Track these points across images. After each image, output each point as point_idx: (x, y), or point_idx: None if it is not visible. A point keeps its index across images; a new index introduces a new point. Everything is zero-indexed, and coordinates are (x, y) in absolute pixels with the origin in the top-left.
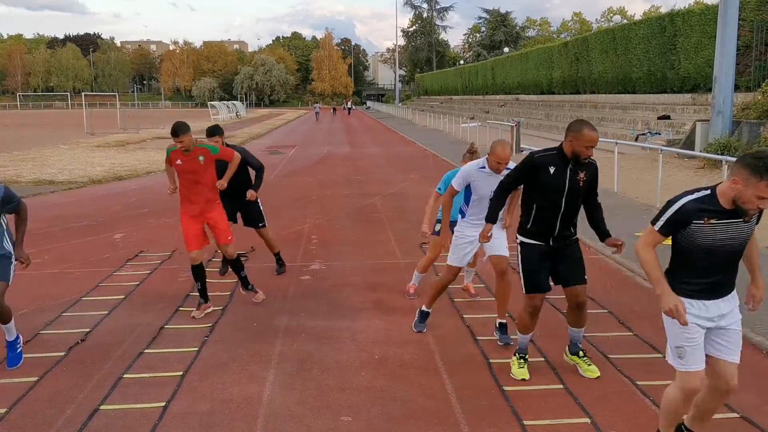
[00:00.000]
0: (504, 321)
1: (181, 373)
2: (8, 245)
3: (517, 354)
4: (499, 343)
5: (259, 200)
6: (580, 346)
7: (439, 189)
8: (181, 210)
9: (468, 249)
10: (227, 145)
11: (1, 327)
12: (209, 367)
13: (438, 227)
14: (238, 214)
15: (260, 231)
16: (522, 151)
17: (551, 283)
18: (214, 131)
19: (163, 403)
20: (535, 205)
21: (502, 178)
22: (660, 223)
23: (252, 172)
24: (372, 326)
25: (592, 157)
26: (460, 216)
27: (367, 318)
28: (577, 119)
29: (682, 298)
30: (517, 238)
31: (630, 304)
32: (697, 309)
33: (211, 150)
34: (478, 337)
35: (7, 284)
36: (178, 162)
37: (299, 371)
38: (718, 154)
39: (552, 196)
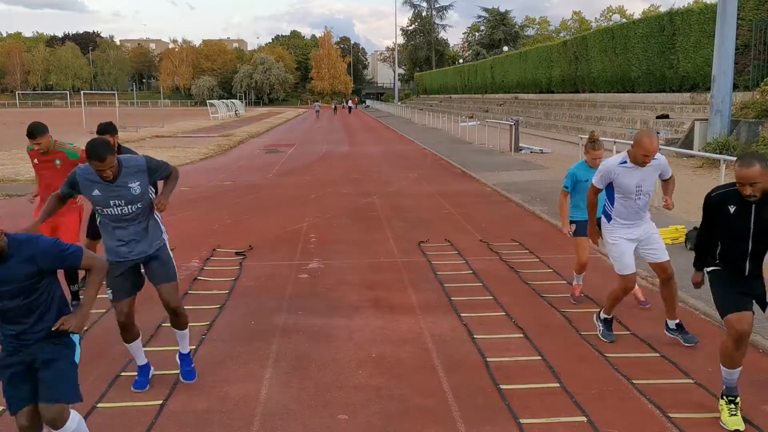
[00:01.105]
0: (679, 321)
1: (178, 371)
2: (164, 235)
3: (725, 397)
4: (685, 345)
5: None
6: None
7: (566, 187)
8: (36, 209)
9: (628, 250)
10: (121, 148)
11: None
12: (206, 365)
13: (573, 227)
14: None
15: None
16: (521, 149)
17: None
18: (106, 129)
19: (160, 401)
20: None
21: (647, 169)
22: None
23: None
24: (369, 325)
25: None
26: (604, 218)
27: (365, 317)
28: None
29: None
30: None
31: (628, 304)
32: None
33: (69, 154)
34: (475, 336)
35: (176, 283)
36: (35, 161)
37: (296, 369)
38: (716, 154)
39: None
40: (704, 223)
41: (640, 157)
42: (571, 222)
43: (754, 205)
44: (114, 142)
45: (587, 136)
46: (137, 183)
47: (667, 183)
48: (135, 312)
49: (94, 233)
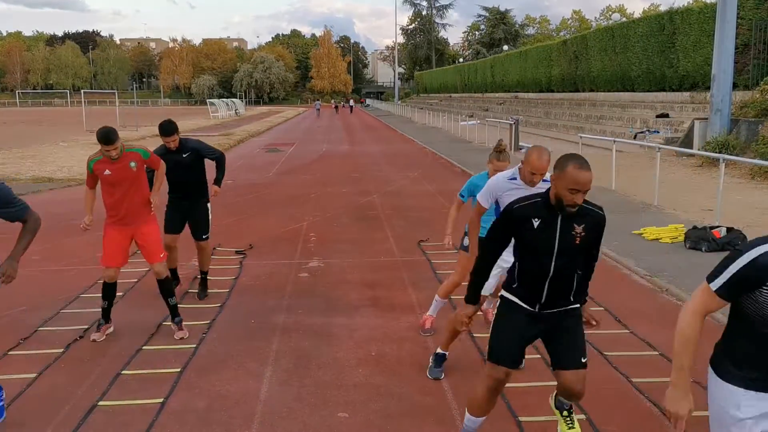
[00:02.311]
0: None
1: (178, 369)
2: None
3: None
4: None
5: (209, 206)
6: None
7: (462, 195)
8: (107, 221)
9: (495, 271)
10: (182, 140)
11: None
12: (207, 364)
13: (467, 241)
14: (187, 223)
15: (202, 243)
16: (521, 148)
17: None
18: (173, 129)
19: (161, 400)
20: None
21: (535, 191)
22: (720, 280)
23: (207, 170)
24: (369, 323)
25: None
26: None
27: (365, 315)
28: (564, 155)
29: (737, 388)
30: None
31: (626, 302)
32: (755, 403)
33: (143, 154)
34: (474, 335)
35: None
36: (107, 173)
37: (296, 368)
38: (716, 153)
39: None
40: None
41: (528, 176)
42: (467, 234)
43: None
44: (178, 138)
45: (495, 145)
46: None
47: None
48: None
49: (169, 227)
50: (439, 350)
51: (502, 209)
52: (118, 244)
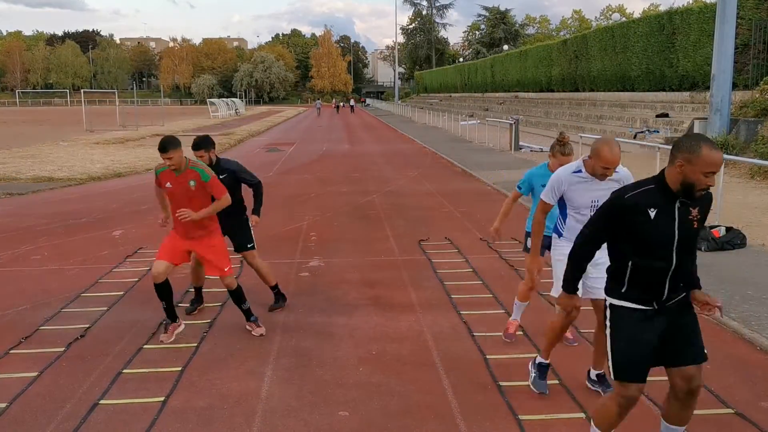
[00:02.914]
0: (603, 372)
1: (179, 368)
2: None
3: None
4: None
5: (248, 221)
6: None
7: (519, 188)
8: (173, 228)
9: None
10: (218, 160)
11: None
12: (208, 363)
13: (529, 242)
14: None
15: (246, 254)
16: (521, 148)
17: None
18: (201, 144)
19: (162, 398)
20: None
21: (607, 184)
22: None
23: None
24: (369, 322)
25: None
26: (555, 234)
27: (365, 314)
28: (687, 136)
29: None
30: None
31: None
32: None
33: (203, 176)
34: (474, 333)
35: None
36: (168, 185)
37: (297, 367)
38: None
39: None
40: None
41: (599, 170)
42: (529, 234)
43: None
44: (209, 156)
45: (557, 137)
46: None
47: None
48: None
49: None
50: (540, 359)
51: (604, 203)
52: (176, 245)
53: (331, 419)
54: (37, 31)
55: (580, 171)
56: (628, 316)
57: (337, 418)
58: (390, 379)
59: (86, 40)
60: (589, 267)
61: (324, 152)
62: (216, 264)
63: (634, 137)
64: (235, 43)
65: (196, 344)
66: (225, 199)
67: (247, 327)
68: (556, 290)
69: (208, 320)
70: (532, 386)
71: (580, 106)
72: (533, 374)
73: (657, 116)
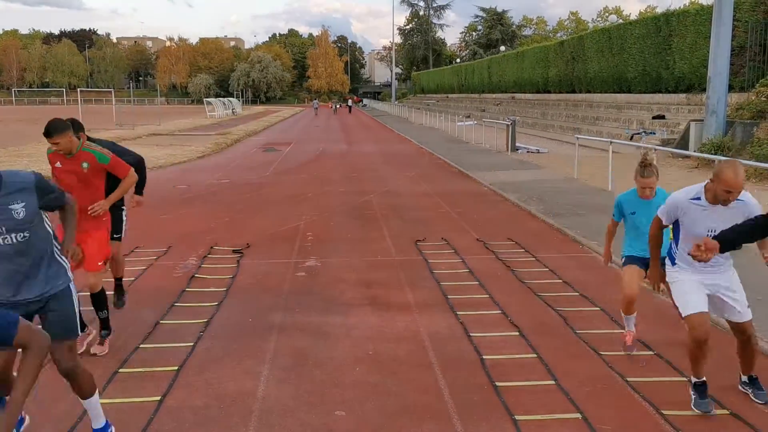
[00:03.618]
0: (753, 374)
1: (176, 367)
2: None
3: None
4: (756, 400)
5: (124, 210)
6: None
7: (614, 215)
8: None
9: (695, 288)
10: (89, 141)
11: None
12: (204, 362)
13: (624, 260)
14: None
15: (111, 244)
16: (517, 149)
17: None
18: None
19: (158, 398)
20: None
21: (727, 211)
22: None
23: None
24: (366, 322)
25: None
26: (668, 259)
27: (362, 314)
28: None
29: None
30: None
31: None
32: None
33: (99, 158)
34: (471, 334)
35: (75, 340)
36: (57, 165)
37: (294, 367)
38: (711, 154)
39: None
40: None
41: (721, 194)
42: (624, 257)
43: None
44: (72, 139)
45: (641, 159)
46: (22, 204)
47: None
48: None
49: None
50: (694, 379)
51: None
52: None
53: (327, 419)
54: (34, 29)
55: (698, 198)
56: None
57: (333, 418)
58: (386, 379)
59: (83, 38)
60: (723, 289)
61: (321, 152)
62: (95, 257)
63: (631, 139)
64: (232, 43)
65: (192, 344)
66: (132, 176)
67: (87, 331)
68: (682, 309)
69: (205, 319)
70: (693, 408)
71: (576, 108)
72: (693, 396)
73: (653, 118)
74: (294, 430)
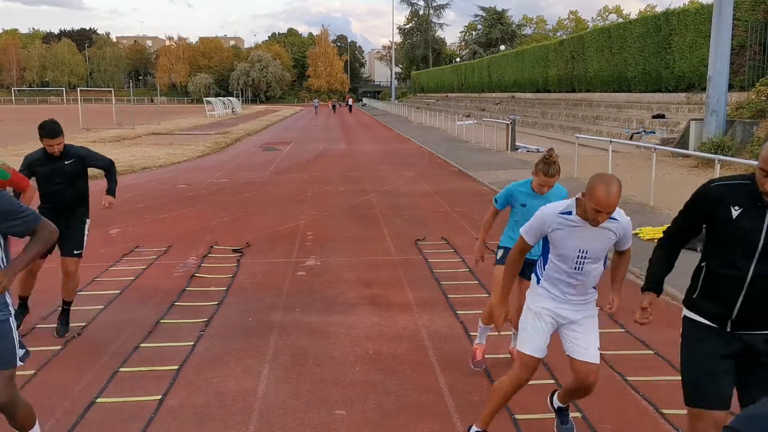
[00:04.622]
0: (564, 406)
1: (176, 367)
2: (7, 299)
3: None
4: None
5: (87, 222)
6: None
7: (496, 201)
8: None
9: (545, 329)
10: (65, 146)
11: None
12: (204, 362)
13: (500, 254)
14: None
15: (70, 260)
16: (517, 148)
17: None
18: (59, 129)
19: (158, 397)
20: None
21: (599, 232)
22: None
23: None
24: (366, 322)
25: None
26: (534, 276)
27: (362, 313)
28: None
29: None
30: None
31: (622, 301)
32: None
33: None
34: (471, 333)
35: (12, 370)
36: None
37: (294, 366)
38: (711, 153)
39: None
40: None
41: (590, 212)
42: (501, 247)
43: None
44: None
45: (544, 153)
46: None
47: (618, 261)
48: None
49: None
50: (475, 428)
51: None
52: None
53: (327, 418)
54: (34, 28)
55: (569, 213)
56: (702, 333)
57: (333, 417)
58: (386, 378)
59: (83, 38)
60: (570, 325)
61: (321, 152)
62: None
63: (630, 138)
64: (232, 42)
65: (192, 343)
66: (32, 190)
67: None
68: (520, 342)
69: (205, 319)
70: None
71: (576, 107)
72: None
73: (653, 117)
74: (294, 429)
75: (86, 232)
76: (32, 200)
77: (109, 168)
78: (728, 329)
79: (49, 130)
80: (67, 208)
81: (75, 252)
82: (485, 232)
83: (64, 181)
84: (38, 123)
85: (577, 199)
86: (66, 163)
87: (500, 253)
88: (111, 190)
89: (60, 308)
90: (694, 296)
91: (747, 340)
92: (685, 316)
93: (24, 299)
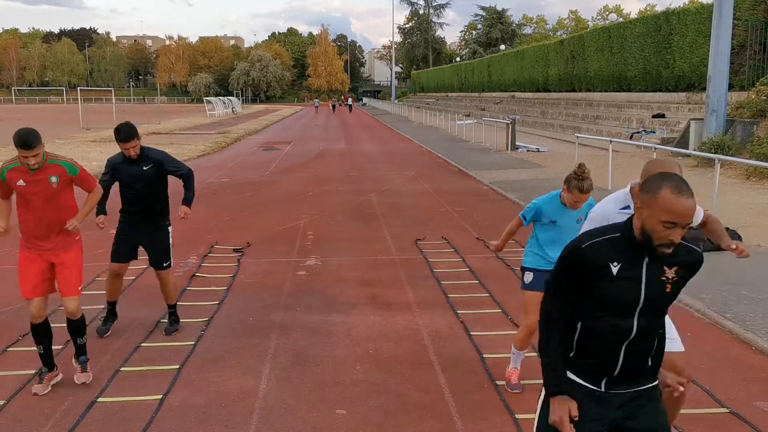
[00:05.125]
0: None
1: (177, 366)
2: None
3: None
4: None
5: (170, 229)
6: None
7: (523, 217)
8: (22, 243)
9: None
10: (142, 149)
11: None
12: (205, 361)
13: (529, 277)
14: (140, 248)
15: (161, 273)
16: (517, 148)
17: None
18: (133, 132)
19: (159, 396)
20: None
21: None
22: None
23: (172, 186)
24: (367, 321)
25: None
26: None
27: (362, 313)
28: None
29: None
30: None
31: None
32: None
33: (69, 169)
34: (471, 333)
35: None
36: (20, 183)
37: (295, 365)
38: (711, 153)
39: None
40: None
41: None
42: (528, 269)
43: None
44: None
45: (575, 169)
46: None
47: (709, 225)
48: None
49: (118, 254)
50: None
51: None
52: (37, 270)
53: (328, 417)
54: (34, 28)
55: (627, 207)
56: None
57: (334, 416)
58: (387, 378)
59: (83, 37)
60: None
61: (321, 151)
62: (74, 282)
63: (630, 138)
64: (232, 42)
65: (193, 342)
66: (98, 191)
67: (74, 363)
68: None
69: (206, 318)
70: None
71: (576, 107)
72: None
73: (653, 117)
74: (295, 429)
75: (170, 240)
76: (96, 201)
77: (187, 177)
78: (603, 388)
79: (125, 134)
80: (148, 213)
81: (164, 265)
82: (505, 242)
83: (143, 186)
84: (38, 123)
85: (631, 187)
86: (144, 168)
87: (529, 276)
88: (187, 200)
89: (167, 311)
90: (571, 355)
91: (618, 400)
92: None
93: (112, 304)
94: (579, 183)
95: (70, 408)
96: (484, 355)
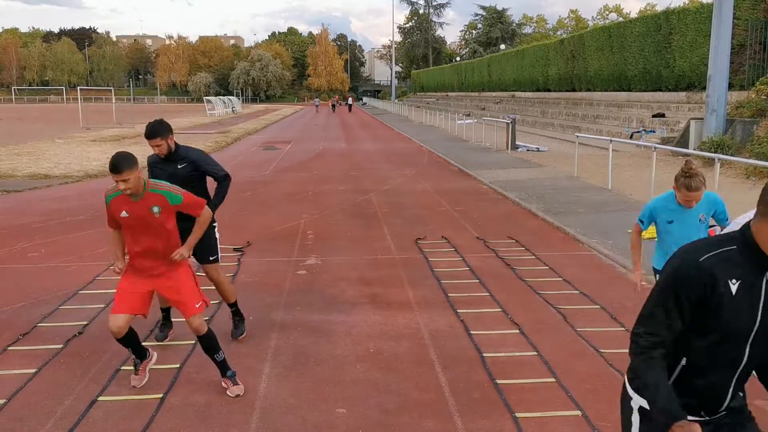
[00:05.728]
0: None
1: (178, 365)
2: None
3: None
4: None
5: (215, 227)
6: None
7: (641, 221)
8: (129, 262)
9: None
10: (177, 147)
11: None
12: (206, 360)
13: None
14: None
15: (208, 267)
16: (517, 147)
17: None
18: (157, 130)
19: (160, 395)
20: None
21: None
22: None
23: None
24: (367, 320)
25: None
26: None
27: (362, 312)
28: None
29: None
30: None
31: (622, 300)
32: None
33: (170, 199)
34: (471, 332)
35: None
36: (123, 214)
37: (295, 364)
38: (711, 153)
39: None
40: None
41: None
42: (658, 272)
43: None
44: (166, 143)
45: (682, 166)
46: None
47: None
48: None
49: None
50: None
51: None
52: (138, 294)
53: (328, 416)
54: (34, 27)
55: None
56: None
57: (334, 415)
58: (387, 377)
59: (83, 37)
60: None
61: (321, 150)
62: (189, 302)
63: (630, 137)
64: (232, 41)
65: (193, 341)
66: (207, 213)
67: (223, 384)
68: None
69: (206, 318)
70: None
71: (576, 106)
72: None
73: (653, 116)
74: (295, 428)
75: (217, 236)
76: (205, 227)
77: (221, 180)
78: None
79: (148, 130)
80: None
81: (210, 258)
82: (638, 255)
83: (179, 185)
84: (37, 122)
85: None
86: (179, 166)
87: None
88: (212, 204)
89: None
90: None
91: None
92: (642, 408)
93: (165, 311)
94: (686, 181)
95: (71, 407)
96: (484, 354)
